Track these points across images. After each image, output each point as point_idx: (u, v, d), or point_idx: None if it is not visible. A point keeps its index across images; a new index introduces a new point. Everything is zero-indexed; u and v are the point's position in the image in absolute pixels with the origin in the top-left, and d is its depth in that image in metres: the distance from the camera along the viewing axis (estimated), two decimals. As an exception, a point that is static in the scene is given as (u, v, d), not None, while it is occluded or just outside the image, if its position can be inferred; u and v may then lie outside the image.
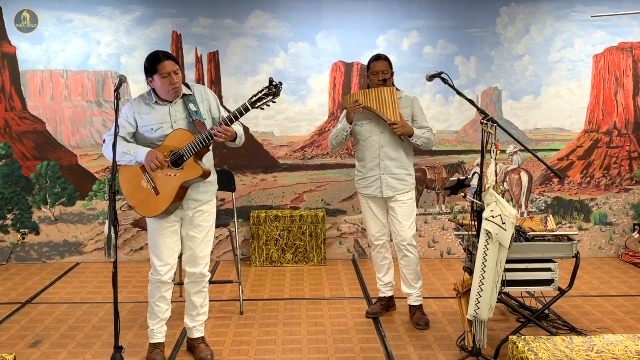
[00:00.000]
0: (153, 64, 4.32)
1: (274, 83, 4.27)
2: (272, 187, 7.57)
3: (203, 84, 7.24)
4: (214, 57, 7.31)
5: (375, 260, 5.61)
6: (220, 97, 7.29)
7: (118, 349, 4.17)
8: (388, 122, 5.10)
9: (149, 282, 4.66)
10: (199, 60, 7.26)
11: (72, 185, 7.39)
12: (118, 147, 4.23)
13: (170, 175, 4.37)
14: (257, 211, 7.37)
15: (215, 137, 4.31)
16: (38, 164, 7.34)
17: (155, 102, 4.42)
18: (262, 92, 4.29)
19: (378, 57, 5.29)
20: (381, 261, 5.56)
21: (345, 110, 5.34)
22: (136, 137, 4.49)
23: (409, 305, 5.48)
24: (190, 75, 7.27)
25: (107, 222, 4.05)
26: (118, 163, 4.35)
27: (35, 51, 7.18)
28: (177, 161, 4.35)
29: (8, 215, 7.41)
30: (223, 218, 6.32)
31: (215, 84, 7.30)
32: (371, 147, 5.29)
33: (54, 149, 7.34)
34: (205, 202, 4.61)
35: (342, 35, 7.33)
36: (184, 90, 4.48)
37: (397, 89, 5.29)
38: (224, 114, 4.56)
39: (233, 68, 7.34)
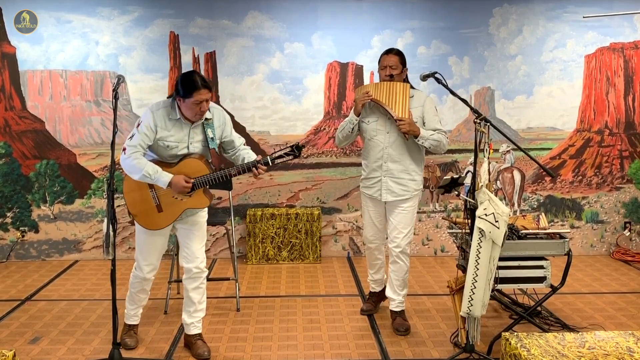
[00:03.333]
0: (190, 90, 4.25)
1: (298, 147, 4.45)
2: (268, 186, 7.62)
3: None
4: (211, 58, 7.36)
5: (368, 258, 5.57)
6: (217, 97, 7.36)
7: (116, 345, 4.24)
8: (395, 117, 4.86)
9: (132, 275, 4.77)
10: (196, 60, 7.31)
11: (71, 184, 7.44)
12: (139, 167, 4.28)
13: (177, 198, 4.48)
14: (253, 209, 7.42)
15: (252, 173, 4.46)
16: (37, 163, 7.38)
17: (179, 118, 4.40)
18: (284, 152, 4.45)
19: (389, 51, 5.11)
20: (374, 260, 5.52)
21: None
22: (151, 148, 4.50)
23: (391, 311, 5.36)
24: (188, 75, 7.32)
25: (105, 220, 4.12)
26: (135, 178, 4.38)
27: (34, 51, 7.22)
28: None
29: (8, 214, 7.45)
30: (220, 216, 6.38)
31: (212, 84, 7.34)
32: (375, 147, 5.09)
33: (53, 148, 7.38)
34: (199, 210, 4.72)
35: (338, 36, 7.38)
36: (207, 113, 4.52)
37: (412, 87, 5.08)
38: (235, 134, 4.74)
39: (230, 68, 7.39)
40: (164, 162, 4.46)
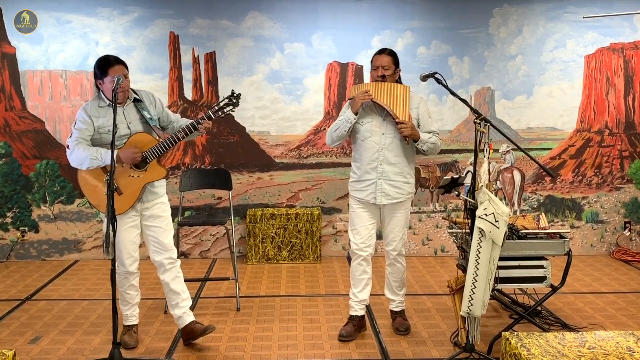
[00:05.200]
0: (105, 67, 4.48)
1: (235, 95, 4.62)
2: (268, 186, 7.63)
3: (200, 84, 7.33)
4: (211, 58, 7.36)
5: (353, 272, 5.14)
6: (217, 97, 7.36)
7: (117, 345, 4.24)
8: (396, 120, 4.70)
9: (117, 274, 4.77)
10: (196, 60, 7.32)
11: (71, 184, 7.43)
12: (84, 153, 4.45)
13: (133, 176, 4.58)
14: (253, 209, 7.42)
15: (198, 130, 4.61)
16: (37, 163, 7.38)
17: (108, 104, 4.53)
18: (224, 103, 4.61)
19: (382, 51, 4.94)
20: (360, 275, 5.10)
21: (348, 103, 4.95)
22: (93, 141, 4.60)
23: (391, 310, 5.33)
24: (188, 75, 7.33)
25: (105, 220, 4.13)
26: (87, 168, 4.52)
27: (34, 51, 7.22)
28: (139, 163, 4.57)
29: (8, 214, 7.45)
30: (220, 216, 6.38)
31: (212, 84, 7.35)
32: (370, 149, 4.87)
33: (53, 148, 7.38)
34: (162, 195, 4.84)
35: (337, 36, 7.38)
36: (134, 95, 4.69)
37: None
38: (168, 110, 4.93)
39: (230, 68, 7.39)
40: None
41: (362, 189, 4.97)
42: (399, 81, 5.01)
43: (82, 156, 4.45)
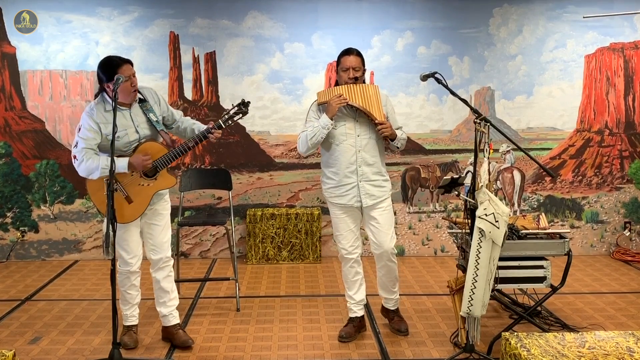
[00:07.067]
0: (113, 69, 4.35)
1: (245, 103, 4.64)
2: (268, 186, 7.62)
3: (200, 84, 7.33)
4: (211, 58, 7.36)
5: (346, 276, 5.13)
6: (217, 97, 7.37)
7: (116, 345, 4.24)
8: (376, 122, 4.71)
9: (119, 273, 4.78)
10: (196, 60, 7.31)
11: (71, 184, 7.44)
12: (94, 164, 4.39)
13: (143, 185, 4.55)
14: (253, 209, 7.42)
15: (208, 139, 4.58)
16: (37, 163, 7.38)
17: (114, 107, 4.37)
18: (234, 111, 4.59)
19: (350, 52, 4.87)
20: (353, 277, 5.09)
21: (316, 108, 4.95)
22: (100, 147, 4.52)
23: (386, 309, 5.28)
24: (188, 75, 7.33)
25: (105, 220, 4.13)
26: (95, 178, 4.46)
27: (34, 51, 7.22)
28: (148, 171, 4.55)
29: (8, 214, 7.45)
30: (220, 216, 6.38)
31: (213, 84, 7.35)
32: (346, 152, 4.82)
33: (53, 148, 7.38)
34: (165, 194, 4.84)
35: (338, 36, 7.38)
36: (139, 95, 4.63)
37: None
38: (171, 107, 4.85)
39: (230, 68, 7.39)
40: (119, 156, 4.46)
41: (344, 194, 4.92)
42: (364, 81, 4.97)
43: (92, 167, 4.37)
